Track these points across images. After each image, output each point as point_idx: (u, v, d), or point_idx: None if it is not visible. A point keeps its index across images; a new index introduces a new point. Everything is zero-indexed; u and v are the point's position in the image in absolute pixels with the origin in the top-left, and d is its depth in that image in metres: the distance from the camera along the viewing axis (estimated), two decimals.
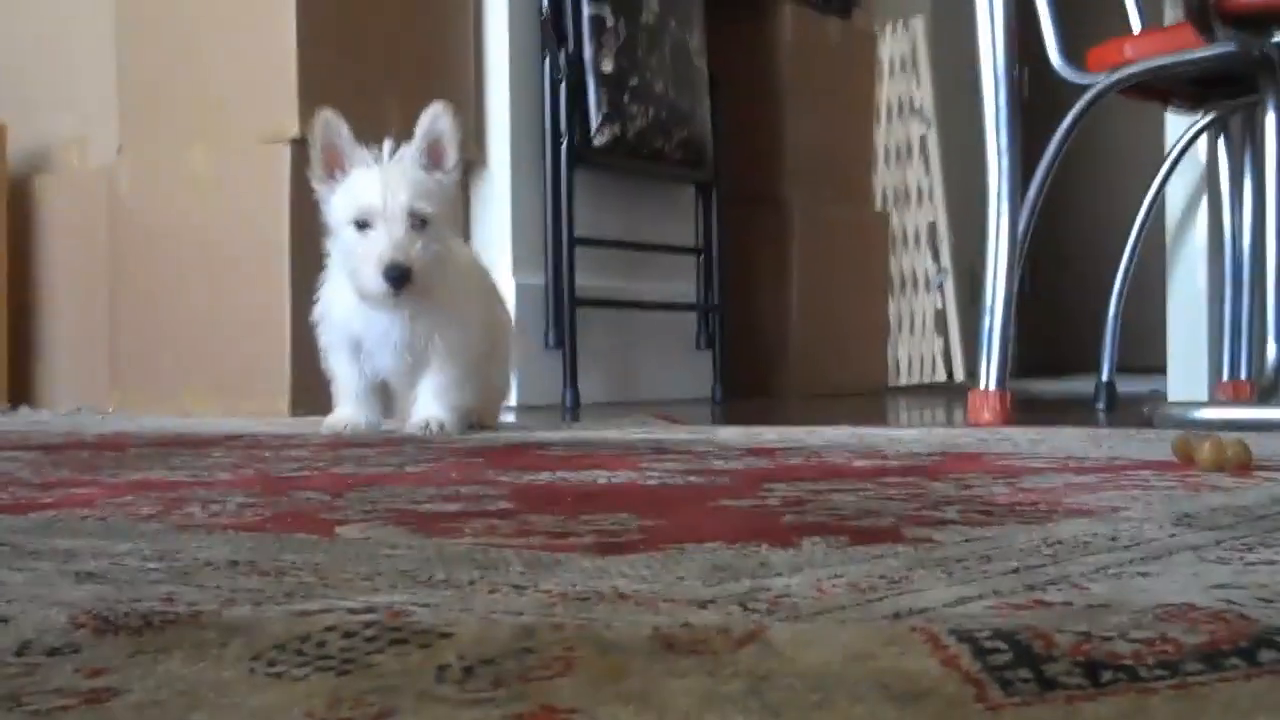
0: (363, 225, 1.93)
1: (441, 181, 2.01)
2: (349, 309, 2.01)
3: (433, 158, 2.00)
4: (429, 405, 2.04)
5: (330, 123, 1.98)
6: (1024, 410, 2.85)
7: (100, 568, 0.76)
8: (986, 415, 2.31)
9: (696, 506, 1.04)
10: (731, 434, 2.02)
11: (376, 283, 1.90)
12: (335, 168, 1.98)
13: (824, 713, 0.45)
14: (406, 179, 1.94)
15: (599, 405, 3.30)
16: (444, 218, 2.00)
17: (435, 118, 2.02)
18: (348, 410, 2.08)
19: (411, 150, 1.99)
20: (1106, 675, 0.48)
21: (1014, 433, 1.98)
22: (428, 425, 2.01)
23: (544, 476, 1.32)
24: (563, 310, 3.25)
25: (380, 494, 1.16)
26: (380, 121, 3.05)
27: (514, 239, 3.32)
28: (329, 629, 0.55)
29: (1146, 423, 2.16)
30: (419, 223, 1.94)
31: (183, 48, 3.08)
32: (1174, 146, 2.95)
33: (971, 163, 2.90)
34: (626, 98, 3.33)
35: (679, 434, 2.05)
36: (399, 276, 1.89)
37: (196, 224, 3.03)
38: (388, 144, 1.99)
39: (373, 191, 1.92)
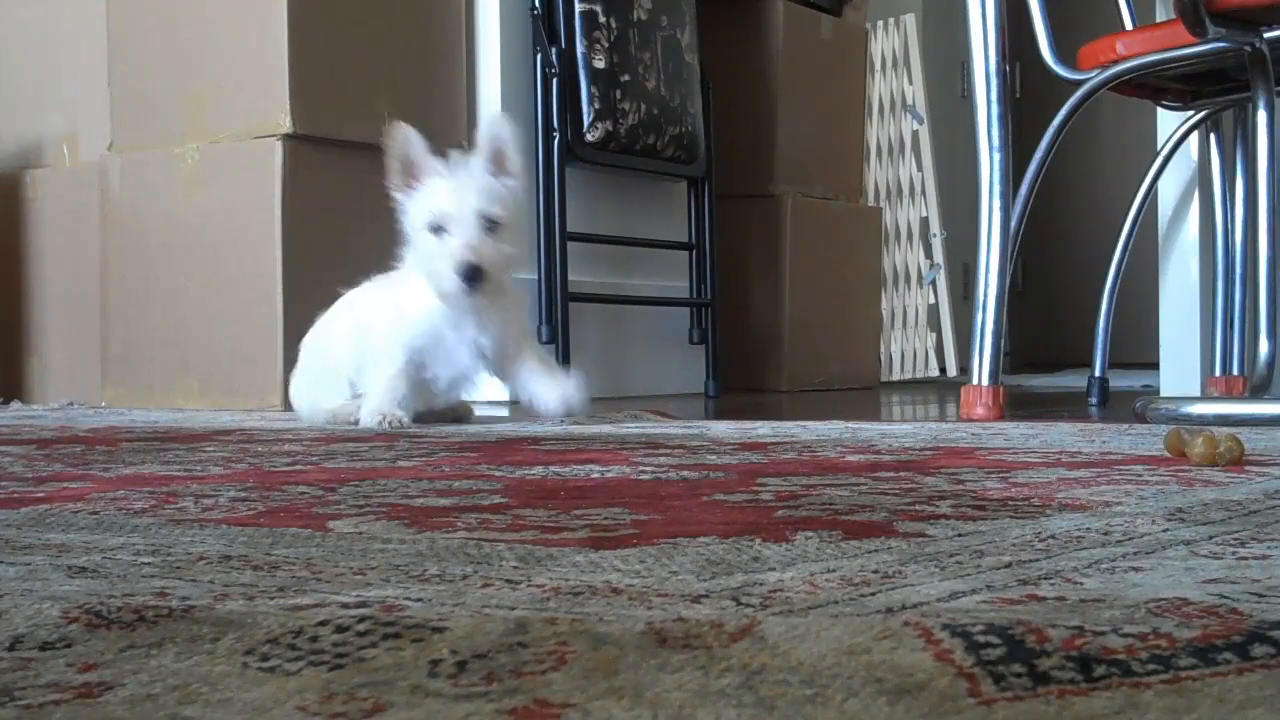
0: (437, 230, 2.05)
1: (509, 186, 2.10)
2: (429, 311, 2.11)
3: (497, 165, 2.10)
4: (554, 383, 2.16)
5: (407, 136, 2.08)
6: (1017, 405, 2.85)
7: (93, 562, 0.76)
8: (979, 410, 2.31)
9: (689, 501, 1.04)
10: (724, 429, 2.02)
11: (451, 281, 2.01)
12: (411, 178, 2.09)
13: (817, 707, 0.45)
14: (476, 185, 2.05)
15: (591, 400, 3.29)
16: (512, 221, 2.10)
17: (492, 126, 2.13)
18: (386, 403, 2.12)
19: (478, 159, 2.08)
20: (1099, 670, 0.48)
21: (1007, 428, 1.98)
22: (565, 402, 2.15)
23: (537, 471, 1.32)
24: (555, 305, 3.25)
25: (373, 488, 1.16)
26: (371, 116, 3.06)
27: None
28: (322, 623, 0.55)
29: (1139, 418, 2.17)
30: (489, 225, 2.04)
31: (174, 43, 3.08)
32: (1166, 143, 2.96)
33: (963, 159, 2.91)
34: (618, 94, 3.33)
35: (672, 429, 2.05)
36: (472, 275, 2.00)
37: (188, 219, 3.03)
38: (454, 154, 2.10)
39: (446, 198, 2.04)
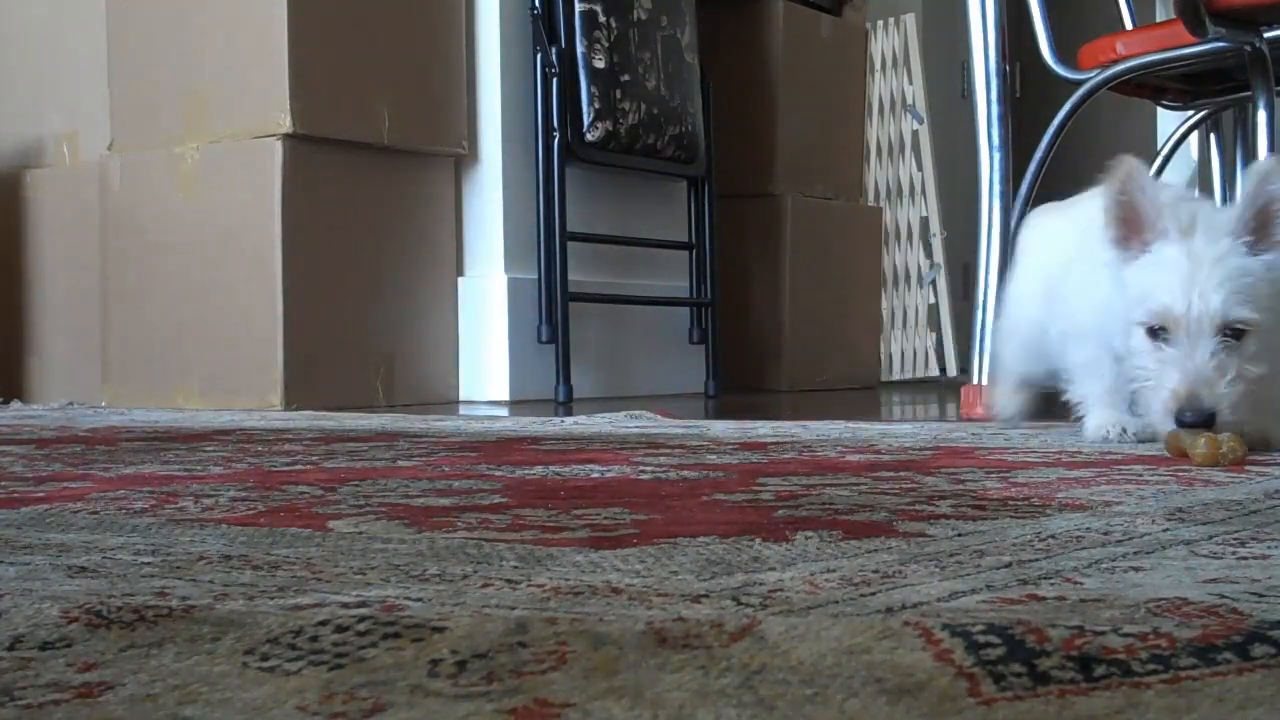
0: (1159, 332, 1.44)
1: (1272, 265, 1.44)
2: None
3: (1260, 231, 1.43)
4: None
5: (1134, 175, 1.50)
6: None
7: (93, 562, 0.76)
8: (979, 410, 2.31)
9: (690, 501, 1.04)
10: (724, 428, 2.02)
11: (1163, 418, 1.43)
12: (1137, 234, 1.48)
13: (817, 707, 0.45)
14: (1222, 273, 1.41)
15: (592, 400, 3.30)
16: (1269, 322, 1.42)
17: (1265, 178, 1.44)
18: (1111, 413, 1.69)
19: (1235, 222, 1.43)
20: (1099, 669, 0.48)
21: (1007, 427, 1.98)
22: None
23: (537, 471, 1.31)
24: (555, 305, 3.25)
25: (373, 488, 1.16)
26: (371, 116, 3.06)
27: (506, 234, 3.32)
28: (322, 623, 0.55)
29: None
30: (1233, 334, 1.41)
31: (174, 42, 3.08)
32: (1166, 142, 2.96)
33: (964, 159, 2.91)
34: (618, 94, 3.33)
35: (672, 428, 2.05)
36: (1196, 420, 1.39)
37: (188, 219, 3.03)
38: (1201, 207, 1.49)
39: (1172, 292, 1.42)
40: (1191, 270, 1.41)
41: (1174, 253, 1.43)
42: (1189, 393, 1.39)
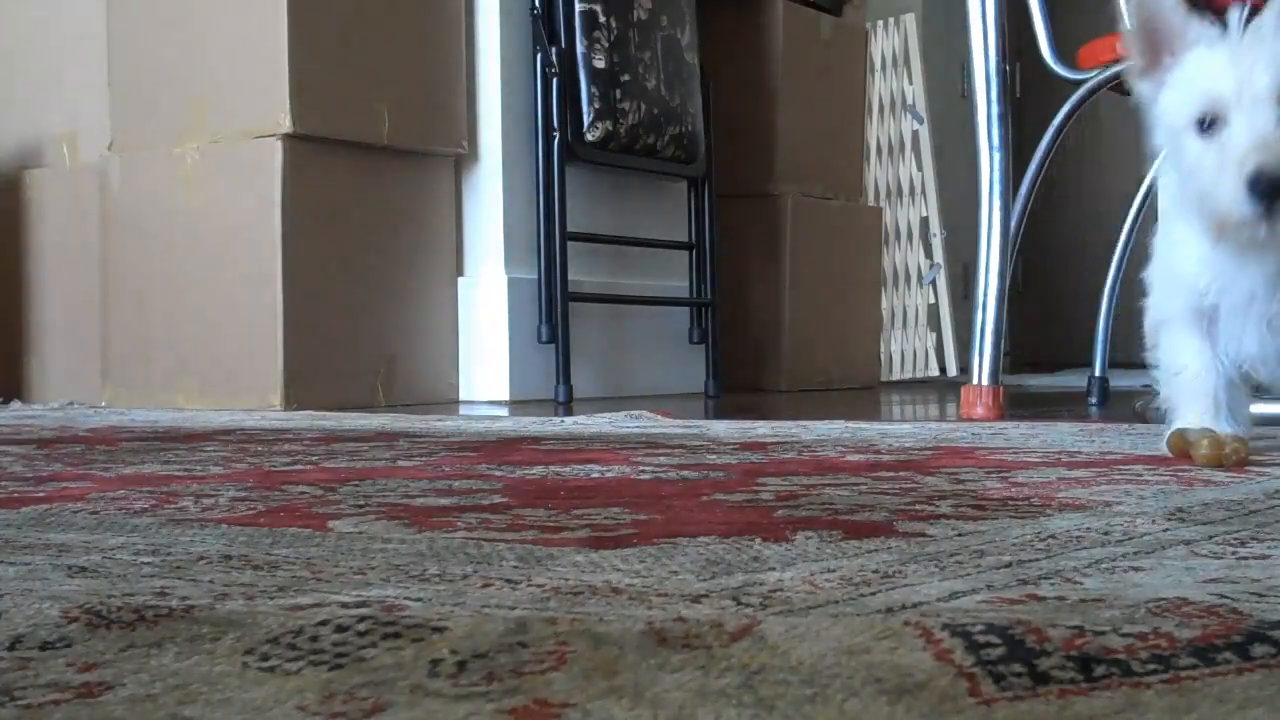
0: (1210, 124, 1.29)
1: None
2: (1198, 261, 1.37)
3: None
4: None
5: None
6: (1017, 405, 2.85)
7: (93, 562, 0.76)
8: (979, 410, 2.31)
9: (689, 501, 1.04)
10: (724, 428, 2.02)
11: (1237, 200, 1.24)
12: (1162, 54, 1.36)
13: (817, 707, 0.45)
14: (1270, 48, 1.27)
15: (592, 400, 3.30)
16: None
17: None
18: (1203, 418, 1.41)
19: (1271, 11, 1.29)
20: (1099, 669, 0.48)
21: (1007, 427, 1.98)
22: None
23: (537, 471, 1.31)
24: (555, 305, 3.25)
25: (373, 488, 1.16)
26: (371, 116, 3.06)
27: (506, 234, 3.32)
28: (322, 623, 0.55)
29: (1139, 418, 2.17)
30: None
31: (174, 42, 3.08)
32: None
33: (963, 159, 2.91)
34: (618, 93, 3.33)
35: (672, 428, 2.05)
36: (1269, 188, 1.21)
37: (188, 219, 3.03)
38: (1236, 11, 1.33)
39: (1220, 74, 1.29)
40: (1237, 53, 1.27)
41: (1214, 50, 1.30)
42: (1257, 160, 1.21)
